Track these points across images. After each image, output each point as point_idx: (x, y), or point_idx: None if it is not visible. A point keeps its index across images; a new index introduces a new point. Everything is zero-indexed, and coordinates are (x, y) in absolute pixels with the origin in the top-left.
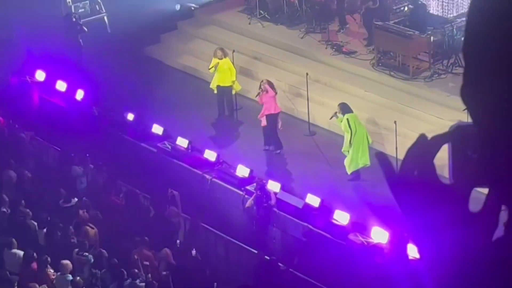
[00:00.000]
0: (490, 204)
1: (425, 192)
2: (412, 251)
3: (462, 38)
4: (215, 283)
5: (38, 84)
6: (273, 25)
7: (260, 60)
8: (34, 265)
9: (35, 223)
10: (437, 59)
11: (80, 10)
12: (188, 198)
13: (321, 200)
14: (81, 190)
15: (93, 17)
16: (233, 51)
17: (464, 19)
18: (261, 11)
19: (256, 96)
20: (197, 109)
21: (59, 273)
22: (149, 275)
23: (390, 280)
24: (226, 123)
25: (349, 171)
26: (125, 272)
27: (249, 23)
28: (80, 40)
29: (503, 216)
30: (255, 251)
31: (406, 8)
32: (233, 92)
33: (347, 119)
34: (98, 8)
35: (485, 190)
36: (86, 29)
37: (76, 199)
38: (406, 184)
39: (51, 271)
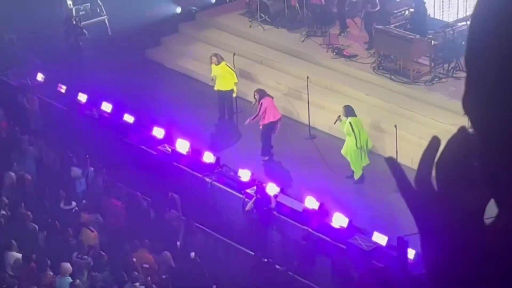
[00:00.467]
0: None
1: (447, 212)
2: (411, 254)
3: (463, 42)
4: (215, 286)
5: (39, 86)
6: (274, 28)
7: (261, 63)
8: (34, 267)
9: (35, 226)
10: (438, 63)
11: (81, 13)
12: (188, 201)
13: (321, 203)
14: (80, 192)
15: (94, 19)
16: (234, 54)
17: (465, 23)
18: (262, 14)
19: (253, 105)
20: (198, 112)
21: (58, 276)
22: (149, 278)
23: (389, 284)
24: (227, 126)
25: (356, 177)
26: (125, 275)
27: (250, 26)
28: (80, 43)
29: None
30: (254, 254)
31: (406, 12)
32: (234, 95)
33: (350, 123)
34: (99, 11)
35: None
36: (86, 32)
37: (75, 202)
38: (427, 200)
39: (50, 273)
